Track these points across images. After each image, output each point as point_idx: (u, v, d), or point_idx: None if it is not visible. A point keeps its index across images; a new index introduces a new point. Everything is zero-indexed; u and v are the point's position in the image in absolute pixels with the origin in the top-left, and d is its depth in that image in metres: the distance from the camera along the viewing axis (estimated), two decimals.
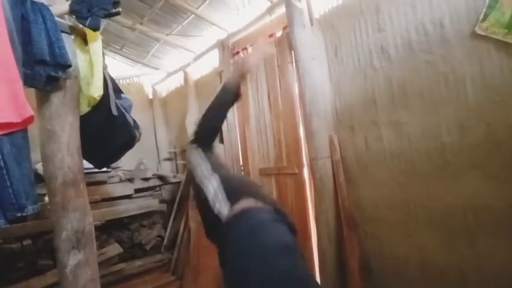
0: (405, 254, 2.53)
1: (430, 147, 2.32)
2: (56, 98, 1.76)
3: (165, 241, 4.08)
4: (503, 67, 1.98)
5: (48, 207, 1.74)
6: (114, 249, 3.46)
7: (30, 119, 1.50)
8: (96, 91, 1.88)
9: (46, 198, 1.76)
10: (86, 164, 2.17)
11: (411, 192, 2.46)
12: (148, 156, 4.96)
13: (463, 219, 2.19)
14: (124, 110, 2.15)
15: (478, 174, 2.11)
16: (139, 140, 2.36)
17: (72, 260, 1.70)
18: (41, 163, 1.82)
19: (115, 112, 2.00)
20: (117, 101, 2.10)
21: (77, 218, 1.72)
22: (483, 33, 2.01)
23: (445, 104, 2.23)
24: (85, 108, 1.90)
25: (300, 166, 3.20)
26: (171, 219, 4.21)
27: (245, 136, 3.86)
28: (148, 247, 3.92)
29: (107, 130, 2.06)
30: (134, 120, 2.29)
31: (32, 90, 1.73)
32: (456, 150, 2.19)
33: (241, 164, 3.97)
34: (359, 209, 2.80)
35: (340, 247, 2.84)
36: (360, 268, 2.75)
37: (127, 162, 4.23)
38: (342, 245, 2.82)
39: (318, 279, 2.98)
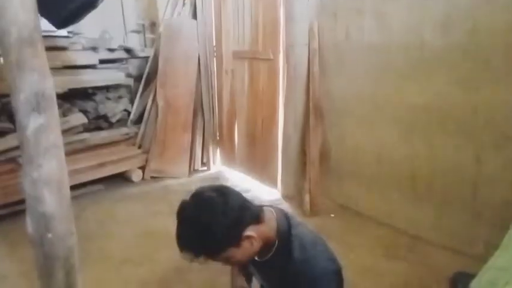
0: (365, 146, 2.66)
1: (410, 43, 2.26)
2: None
3: (132, 115, 4.03)
4: None
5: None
6: (78, 118, 3.39)
7: None
8: None
9: (2, 59, 1.61)
10: (46, 27, 1.97)
11: (382, 88, 2.48)
12: (114, 27, 4.57)
13: (426, 117, 2.26)
14: None
15: (450, 76, 2.12)
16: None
17: (32, 122, 1.61)
18: None
19: None
20: None
21: (35, 80, 1.58)
22: None
23: None
24: None
25: (275, 52, 3.08)
26: (138, 94, 4.10)
27: (220, 13, 3.59)
28: (113, 120, 3.87)
29: None
30: None
31: None
32: (435, 49, 2.15)
33: (214, 44, 3.78)
34: (328, 100, 2.83)
35: (304, 135, 2.94)
36: (320, 155, 2.90)
37: (89, 30, 3.89)
38: (306, 133, 2.91)
39: (280, 162, 3.15)
